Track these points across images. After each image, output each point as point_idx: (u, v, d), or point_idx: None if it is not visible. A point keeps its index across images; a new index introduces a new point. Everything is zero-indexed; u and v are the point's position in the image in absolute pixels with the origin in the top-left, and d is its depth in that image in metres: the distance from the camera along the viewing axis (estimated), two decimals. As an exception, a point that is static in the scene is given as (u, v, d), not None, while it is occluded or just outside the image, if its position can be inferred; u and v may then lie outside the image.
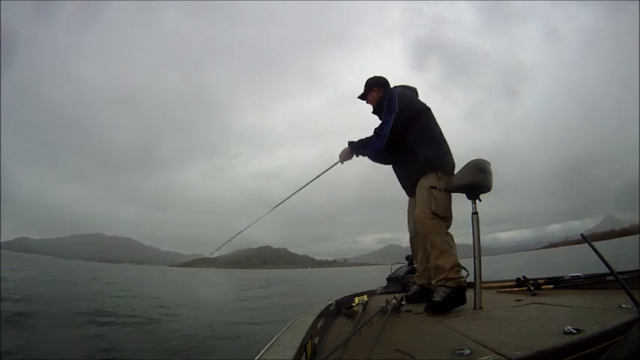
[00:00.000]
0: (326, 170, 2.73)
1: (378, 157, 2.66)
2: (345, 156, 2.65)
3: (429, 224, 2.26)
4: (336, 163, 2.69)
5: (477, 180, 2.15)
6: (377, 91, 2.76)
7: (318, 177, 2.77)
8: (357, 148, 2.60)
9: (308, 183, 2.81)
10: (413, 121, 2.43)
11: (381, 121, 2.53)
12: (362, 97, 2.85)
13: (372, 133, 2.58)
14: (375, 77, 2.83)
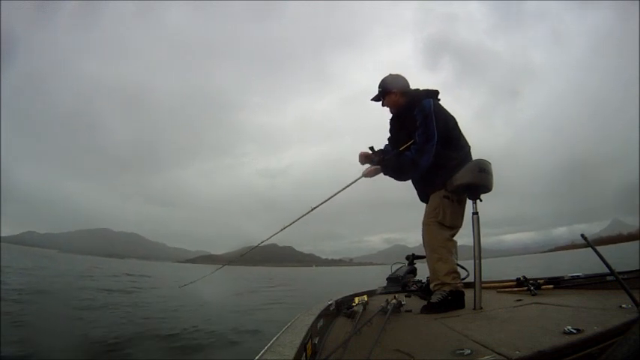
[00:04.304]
0: (349, 185, 2.53)
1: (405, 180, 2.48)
2: (373, 174, 2.45)
3: (431, 230, 2.28)
4: (359, 178, 2.49)
5: (477, 180, 2.15)
6: (397, 93, 2.45)
7: (342, 190, 2.55)
8: (390, 171, 2.41)
9: (330, 197, 2.57)
10: (446, 140, 2.27)
11: (416, 141, 2.27)
12: (376, 98, 2.54)
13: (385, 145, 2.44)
14: (392, 77, 2.49)
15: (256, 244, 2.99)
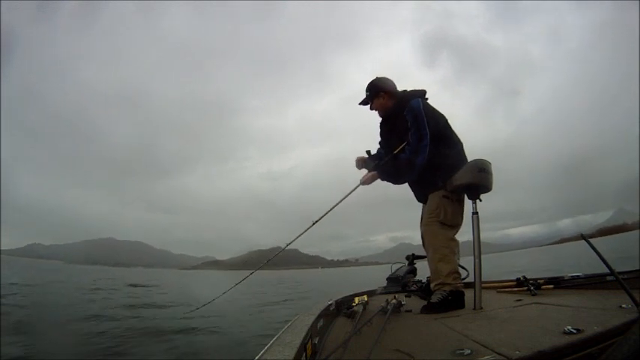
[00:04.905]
0: (349, 194, 2.53)
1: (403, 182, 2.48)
2: (370, 181, 2.44)
3: (433, 230, 2.28)
4: (357, 187, 2.49)
5: (477, 180, 2.15)
6: (384, 96, 2.46)
7: (342, 200, 2.56)
8: (387, 176, 2.41)
9: (331, 208, 2.58)
10: (438, 139, 2.27)
11: (409, 142, 2.27)
12: (364, 102, 2.55)
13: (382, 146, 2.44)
14: (379, 80, 2.50)
15: (268, 259, 3.04)
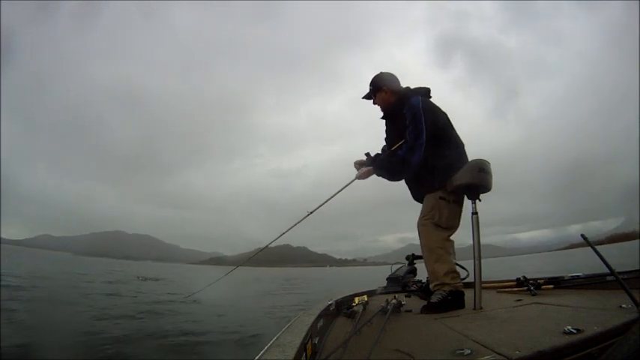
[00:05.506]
0: (344, 187, 2.59)
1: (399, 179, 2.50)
2: (365, 176, 2.48)
3: (427, 231, 2.27)
4: (353, 181, 2.53)
5: (476, 180, 2.15)
6: (386, 91, 2.49)
7: (337, 193, 2.61)
8: (382, 171, 2.43)
9: (326, 200, 2.63)
10: (437, 138, 2.26)
11: (407, 140, 2.28)
12: (367, 96, 2.58)
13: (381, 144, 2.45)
14: (382, 75, 2.53)
15: (262, 248, 3.04)
